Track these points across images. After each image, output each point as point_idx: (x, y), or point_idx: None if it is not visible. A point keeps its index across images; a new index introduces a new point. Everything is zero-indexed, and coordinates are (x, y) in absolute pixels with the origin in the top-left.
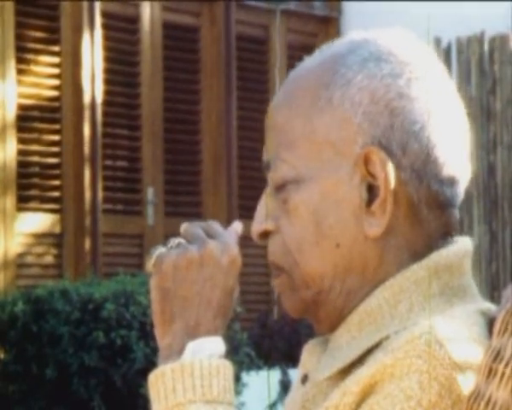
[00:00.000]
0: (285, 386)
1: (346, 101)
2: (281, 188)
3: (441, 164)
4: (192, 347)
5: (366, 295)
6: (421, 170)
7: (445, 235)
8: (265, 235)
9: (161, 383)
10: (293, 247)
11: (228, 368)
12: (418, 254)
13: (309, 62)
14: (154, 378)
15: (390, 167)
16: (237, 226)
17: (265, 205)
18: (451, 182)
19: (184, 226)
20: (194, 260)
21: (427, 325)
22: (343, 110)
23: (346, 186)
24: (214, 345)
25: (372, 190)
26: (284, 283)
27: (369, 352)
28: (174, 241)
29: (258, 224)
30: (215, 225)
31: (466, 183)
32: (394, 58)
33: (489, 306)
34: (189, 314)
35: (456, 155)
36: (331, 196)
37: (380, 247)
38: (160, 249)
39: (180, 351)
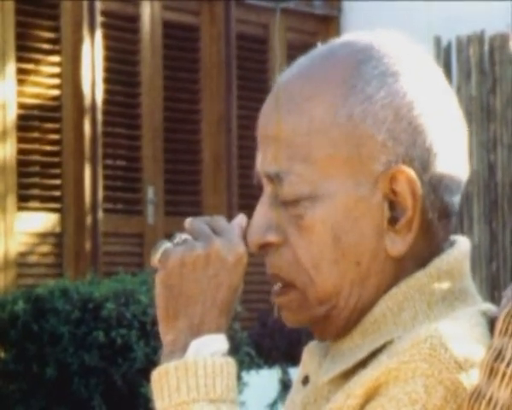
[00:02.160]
0: (285, 385)
1: (368, 117)
2: (293, 203)
3: (452, 176)
4: (195, 345)
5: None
6: (438, 184)
7: (447, 239)
8: (266, 246)
9: (165, 381)
10: (309, 264)
11: (231, 366)
12: (424, 263)
13: (311, 69)
14: (157, 376)
15: (419, 188)
16: (242, 220)
17: (266, 216)
18: (459, 190)
19: (189, 221)
20: (200, 258)
21: (432, 329)
22: (365, 127)
23: (367, 204)
24: (217, 343)
25: (394, 208)
26: (293, 300)
27: (372, 356)
28: (180, 236)
29: (259, 235)
30: (220, 221)
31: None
32: (408, 71)
33: (489, 306)
34: (194, 312)
35: (461, 162)
36: (351, 213)
37: (397, 264)
38: (166, 244)
39: (183, 348)
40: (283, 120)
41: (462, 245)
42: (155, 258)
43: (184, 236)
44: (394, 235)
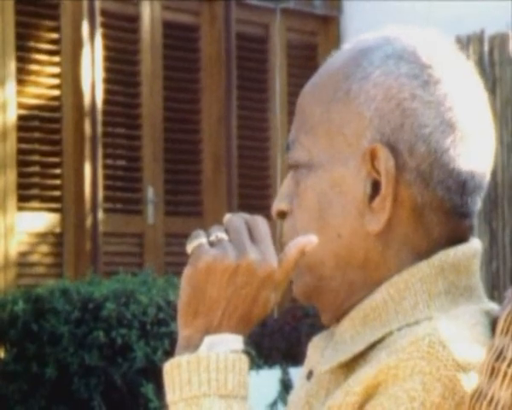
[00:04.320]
0: (285, 385)
1: (361, 94)
2: (295, 170)
3: (450, 171)
4: (209, 341)
5: (368, 290)
6: (427, 174)
7: (452, 242)
8: (283, 215)
9: (177, 374)
10: (300, 231)
11: (244, 363)
12: (421, 255)
13: (343, 51)
14: (169, 368)
15: (392, 166)
16: (306, 241)
17: (285, 185)
18: (461, 190)
19: (229, 218)
20: (229, 268)
21: (431, 326)
22: (358, 103)
23: (353, 179)
24: (232, 342)
25: (376, 187)
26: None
27: (371, 347)
28: (216, 233)
29: (276, 202)
30: (260, 225)
31: (483, 191)
32: (416, 59)
33: (493, 306)
34: (213, 315)
35: (472, 163)
36: (338, 186)
37: (381, 244)
38: (201, 239)
39: (198, 345)
40: (305, 93)
41: (471, 243)
42: (190, 247)
43: (221, 234)
44: (370, 212)
